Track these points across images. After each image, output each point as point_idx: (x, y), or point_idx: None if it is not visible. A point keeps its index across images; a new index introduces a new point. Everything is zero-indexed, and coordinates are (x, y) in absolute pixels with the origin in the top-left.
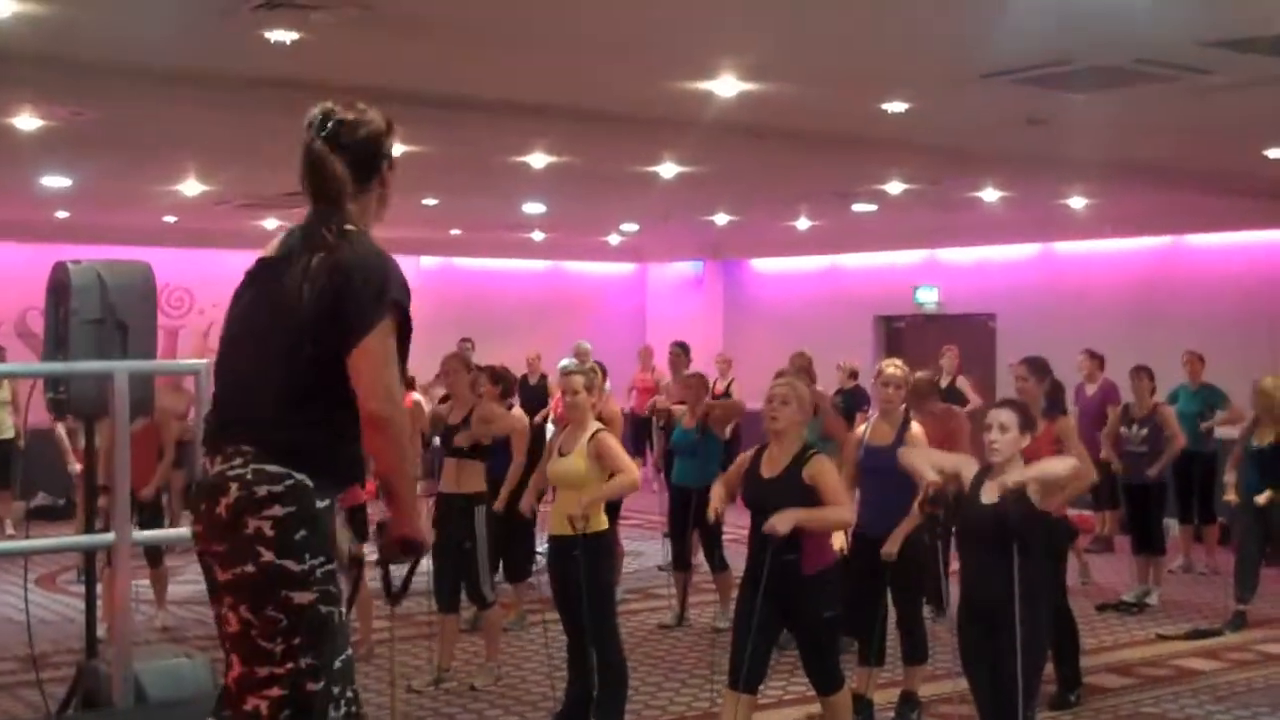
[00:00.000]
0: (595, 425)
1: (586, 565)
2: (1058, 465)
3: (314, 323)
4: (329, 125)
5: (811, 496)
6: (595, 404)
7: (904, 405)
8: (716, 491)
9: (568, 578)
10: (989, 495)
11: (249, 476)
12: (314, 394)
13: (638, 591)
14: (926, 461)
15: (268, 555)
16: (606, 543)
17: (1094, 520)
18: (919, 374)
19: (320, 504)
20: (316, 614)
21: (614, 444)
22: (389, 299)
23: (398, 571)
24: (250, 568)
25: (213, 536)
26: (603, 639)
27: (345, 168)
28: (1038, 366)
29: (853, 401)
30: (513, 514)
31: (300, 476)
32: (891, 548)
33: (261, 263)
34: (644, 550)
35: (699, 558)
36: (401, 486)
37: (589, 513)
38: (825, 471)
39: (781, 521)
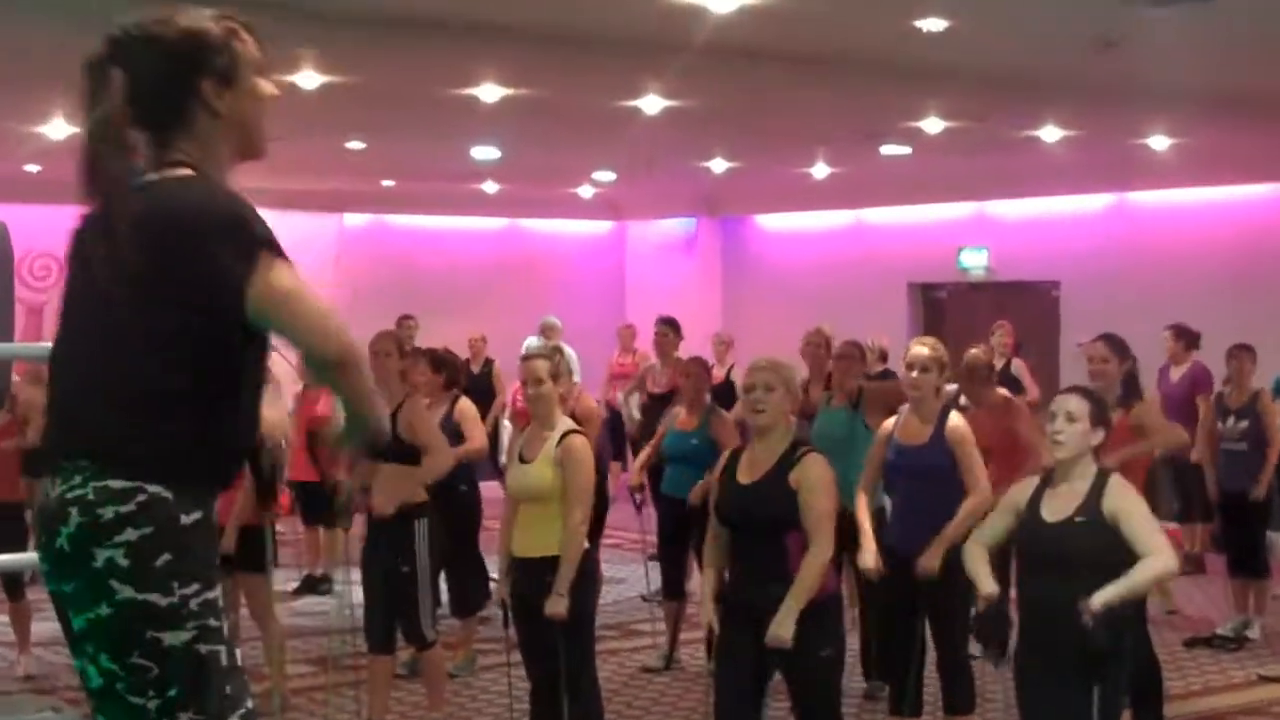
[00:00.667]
0: (565, 424)
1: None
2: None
3: (151, 288)
4: (122, 37)
5: (794, 507)
6: (565, 396)
7: (940, 391)
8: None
9: (537, 610)
10: (1053, 508)
11: (90, 497)
12: (161, 383)
13: (616, 627)
14: (983, 560)
15: (125, 591)
16: (587, 566)
17: (1180, 535)
18: (972, 351)
19: (187, 519)
20: (194, 656)
21: (583, 454)
22: (256, 235)
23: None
24: (105, 609)
25: (59, 575)
26: (579, 685)
27: (140, 88)
28: (1119, 346)
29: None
30: (465, 531)
31: (154, 489)
32: (931, 562)
33: (86, 220)
34: (623, 576)
35: (694, 582)
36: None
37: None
38: (815, 480)
39: (782, 628)
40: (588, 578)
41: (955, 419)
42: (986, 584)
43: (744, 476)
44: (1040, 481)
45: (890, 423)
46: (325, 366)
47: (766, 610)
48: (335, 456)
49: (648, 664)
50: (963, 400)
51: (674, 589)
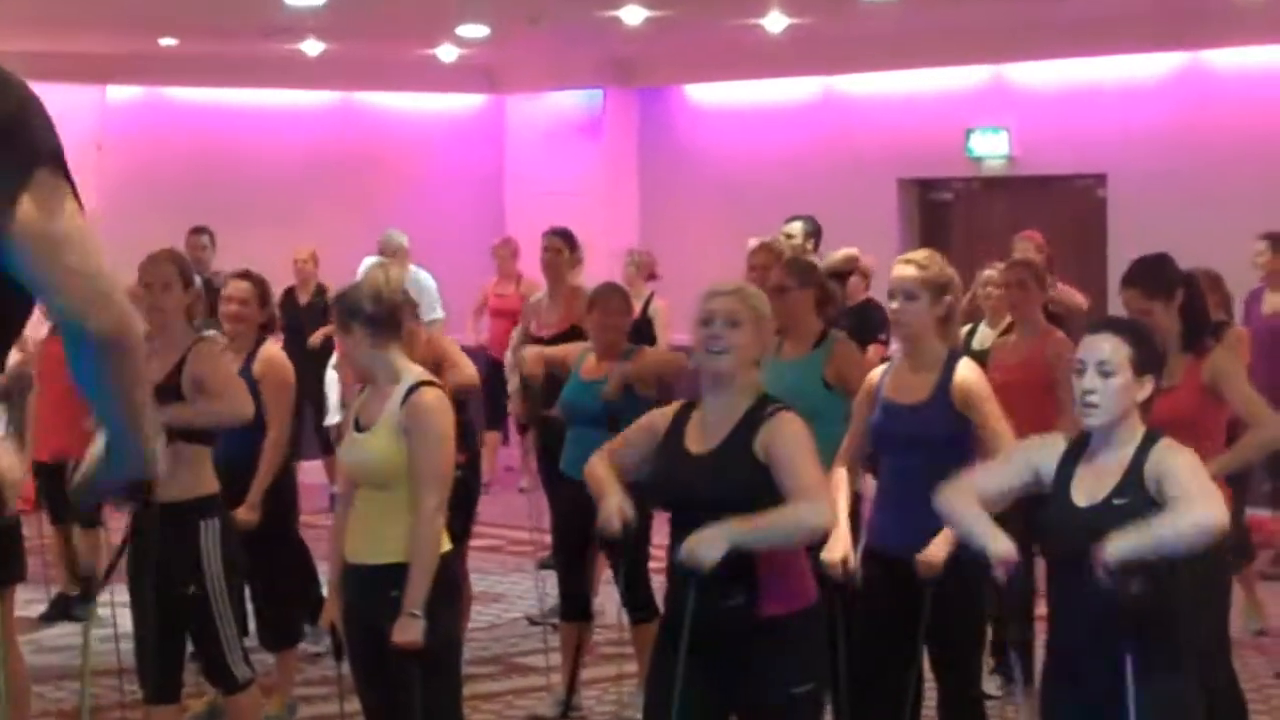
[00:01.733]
0: (414, 375)
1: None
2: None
3: None
4: None
5: (768, 483)
6: (421, 338)
7: (947, 328)
8: (598, 468)
9: (379, 637)
10: (1086, 488)
11: None
12: None
13: (494, 661)
14: (981, 513)
15: None
16: (449, 576)
17: (1273, 525)
18: (1016, 258)
19: None
20: None
21: (438, 415)
22: (35, 142)
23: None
24: None
25: None
26: None
27: None
28: (1158, 280)
29: (864, 323)
30: (277, 530)
31: None
32: (936, 555)
33: None
34: (503, 591)
35: (602, 599)
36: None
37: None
38: (791, 438)
39: (705, 546)
40: (449, 592)
41: (965, 370)
42: (997, 540)
43: (694, 444)
44: (1069, 449)
45: (877, 373)
46: (96, 345)
47: (721, 629)
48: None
49: (538, 712)
50: (982, 338)
51: (575, 608)
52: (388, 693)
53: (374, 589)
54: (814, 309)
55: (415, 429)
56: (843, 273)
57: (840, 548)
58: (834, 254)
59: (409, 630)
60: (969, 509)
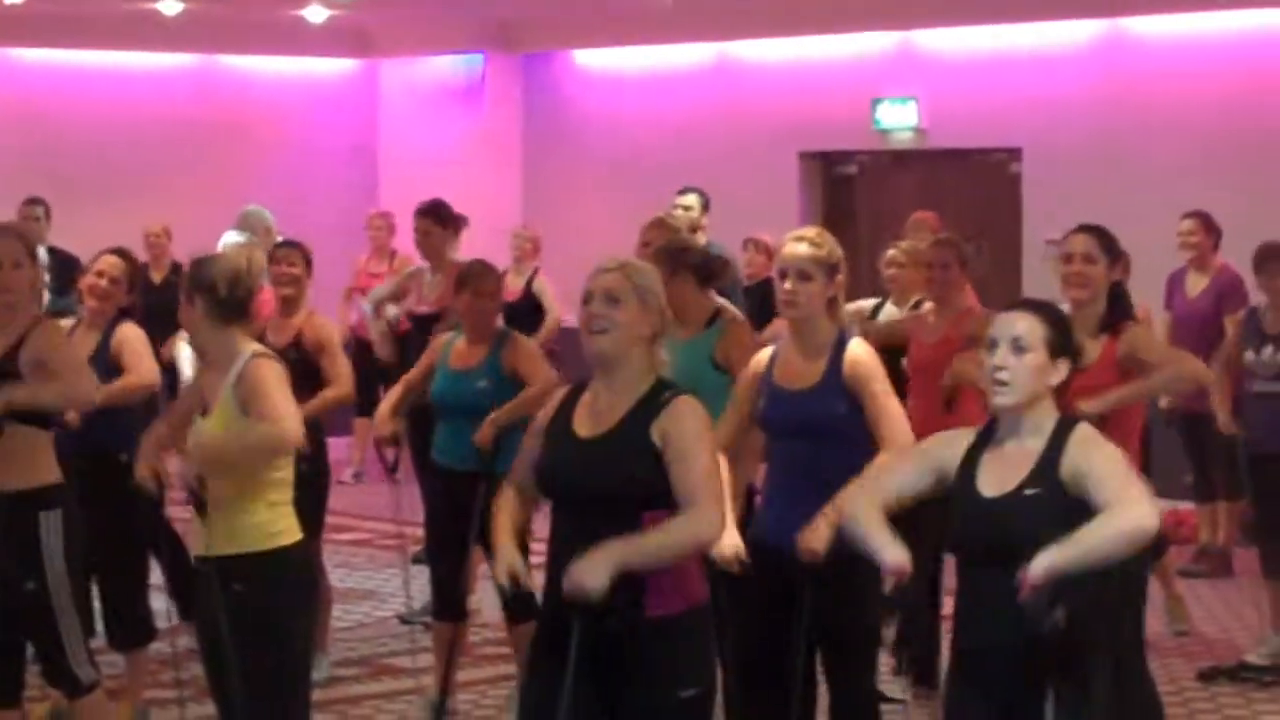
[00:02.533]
0: (247, 350)
1: (258, 612)
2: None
3: None
4: None
5: (659, 473)
6: (304, 313)
7: (834, 308)
8: (500, 517)
9: (212, 630)
10: (994, 477)
11: None
12: None
13: (361, 663)
14: (879, 520)
15: None
16: (299, 571)
17: (1195, 520)
18: (941, 236)
19: None
20: None
21: (271, 383)
22: None
23: None
24: None
25: None
26: None
27: None
28: (1109, 242)
29: (766, 301)
30: (120, 523)
31: None
32: (816, 539)
33: None
34: (372, 588)
35: (479, 596)
36: None
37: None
38: (690, 431)
39: (590, 574)
40: (298, 583)
41: (857, 349)
42: (889, 549)
43: (583, 428)
44: (978, 437)
45: (763, 356)
46: None
47: (604, 630)
48: None
49: (409, 716)
50: (888, 314)
51: (448, 605)
52: (235, 690)
53: (223, 581)
54: (696, 289)
55: (254, 399)
56: None
57: (730, 543)
58: None
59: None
60: (867, 513)
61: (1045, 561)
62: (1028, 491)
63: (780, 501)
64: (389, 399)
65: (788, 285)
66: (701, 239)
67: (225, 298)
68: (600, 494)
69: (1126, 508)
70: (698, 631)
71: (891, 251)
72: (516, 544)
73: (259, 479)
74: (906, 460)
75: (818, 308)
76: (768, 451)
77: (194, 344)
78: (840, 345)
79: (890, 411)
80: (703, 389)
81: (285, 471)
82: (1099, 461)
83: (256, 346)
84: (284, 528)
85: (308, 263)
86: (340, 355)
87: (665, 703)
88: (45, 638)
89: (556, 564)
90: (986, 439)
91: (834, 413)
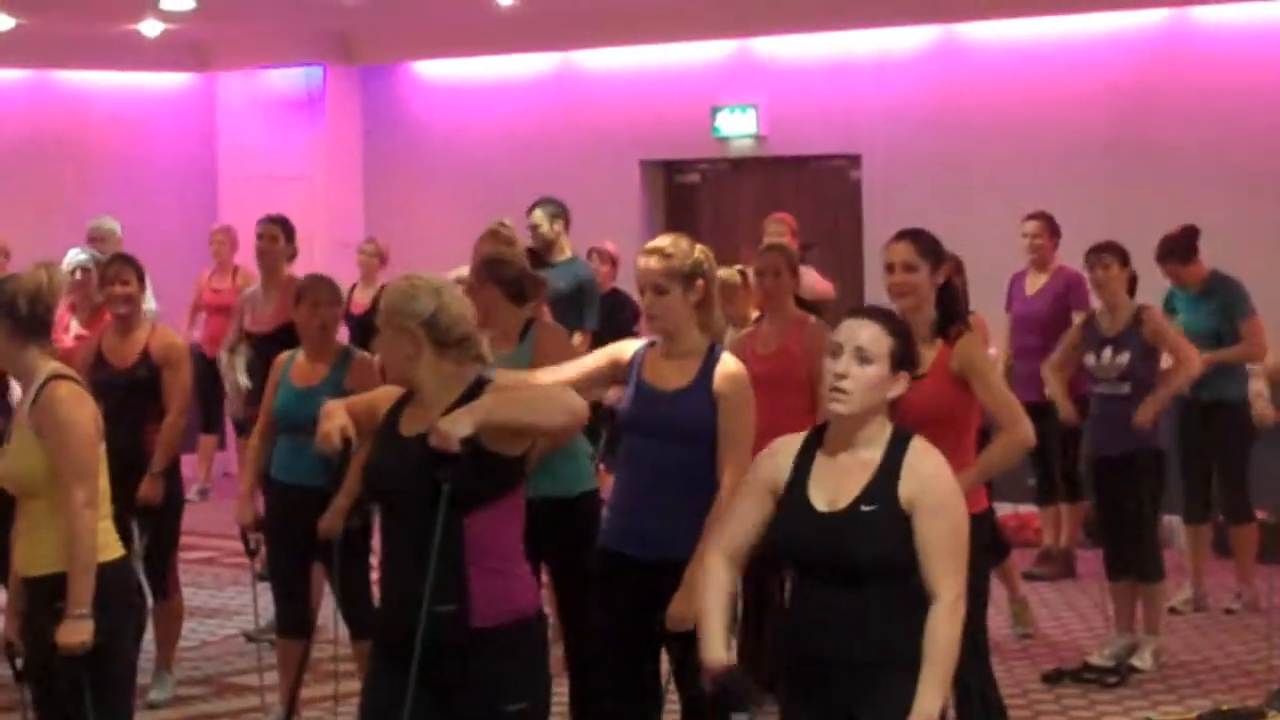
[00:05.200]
0: (46, 370)
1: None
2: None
3: None
4: None
5: (481, 465)
6: (131, 326)
7: (709, 315)
8: (329, 419)
9: (44, 648)
10: (828, 490)
11: None
12: None
13: (206, 682)
14: (719, 600)
15: None
16: (121, 585)
17: (1038, 522)
18: (769, 243)
19: None
20: None
21: (67, 405)
22: None
23: None
24: None
25: None
26: None
27: None
28: (930, 247)
29: (614, 313)
30: None
31: None
32: (682, 610)
33: None
34: (218, 605)
35: (325, 613)
36: None
37: None
38: (507, 382)
39: (453, 423)
40: (118, 592)
41: (729, 360)
42: (710, 648)
43: (407, 428)
44: (805, 444)
45: (628, 349)
46: None
47: (432, 639)
48: None
49: None
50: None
51: (292, 622)
52: (59, 707)
53: (39, 601)
54: (505, 302)
55: (45, 425)
56: None
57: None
58: None
59: (75, 632)
60: (713, 589)
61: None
62: (864, 509)
63: (635, 511)
64: (246, 473)
65: (646, 301)
66: (565, 252)
67: (26, 315)
68: (413, 493)
69: (953, 608)
70: (526, 644)
71: (770, 242)
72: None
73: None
74: (742, 496)
75: (680, 318)
76: (621, 455)
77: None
78: (714, 353)
79: (743, 427)
80: None
81: (104, 483)
82: (939, 506)
83: (55, 366)
84: (103, 544)
85: (140, 278)
86: (183, 376)
87: (491, 716)
88: None
89: (386, 571)
90: (815, 446)
91: (700, 417)
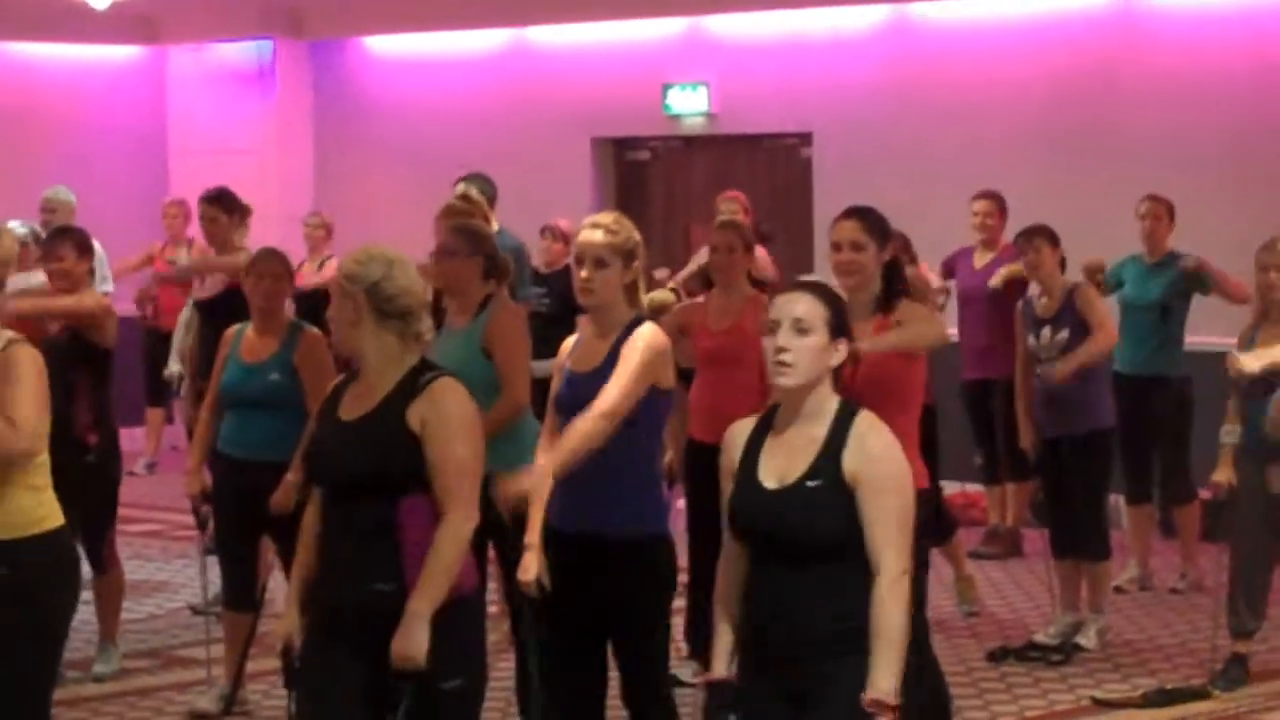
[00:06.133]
0: (2, 339)
1: (24, 598)
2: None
3: None
4: None
5: (413, 457)
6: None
7: (634, 292)
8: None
9: None
10: (775, 467)
11: None
12: None
13: (152, 654)
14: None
15: None
16: (64, 556)
17: (984, 501)
18: (724, 219)
19: None
20: None
21: (18, 372)
22: None
23: None
24: None
25: None
26: None
27: None
28: (876, 226)
29: (565, 287)
30: None
31: None
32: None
33: None
34: (166, 578)
35: (273, 588)
36: None
37: None
38: (450, 415)
39: (409, 642)
40: (64, 567)
41: (641, 332)
42: (718, 659)
43: (346, 411)
44: (758, 425)
45: (570, 342)
46: None
47: (371, 618)
48: None
49: (199, 707)
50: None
51: (239, 595)
52: None
53: None
54: (481, 277)
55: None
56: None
57: (533, 564)
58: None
59: None
60: (721, 616)
61: (882, 682)
62: (809, 484)
63: (570, 487)
64: (195, 447)
65: (584, 273)
66: (493, 226)
67: None
68: (354, 478)
69: (885, 560)
70: (462, 623)
71: (724, 217)
72: None
73: (14, 465)
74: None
75: (614, 294)
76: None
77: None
78: (630, 328)
79: (617, 379)
80: (470, 377)
81: (44, 455)
82: (879, 478)
83: (11, 334)
84: (47, 513)
85: (80, 250)
86: (104, 332)
87: (426, 693)
88: None
89: (324, 548)
90: (767, 427)
91: None
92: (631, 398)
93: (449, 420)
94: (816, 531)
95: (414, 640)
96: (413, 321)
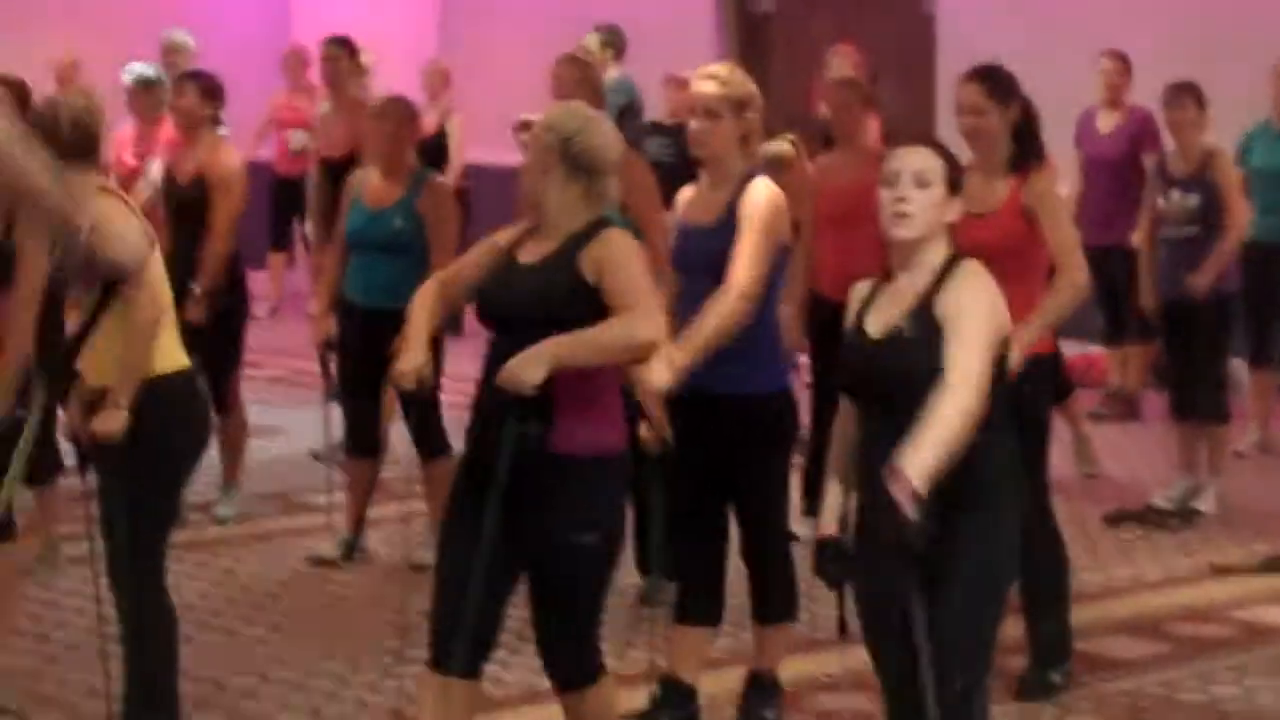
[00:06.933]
0: (93, 188)
1: (145, 437)
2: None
3: None
4: None
5: (592, 302)
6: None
7: (749, 145)
8: (419, 312)
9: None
10: (881, 317)
11: None
12: None
13: (272, 498)
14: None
15: None
16: (181, 393)
17: (1105, 363)
18: (839, 77)
19: None
20: None
21: (106, 219)
22: None
23: None
24: None
25: None
26: (122, 580)
27: None
28: (1002, 86)
29: (686, 142)
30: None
31: None
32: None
33: None
34: (283, 424)
35: (398, 434)
36: None
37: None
38: (619, 256)
39: (525, 367)
40: (171, 399)
41: (757, 187)
42: (825, 516)
43: (525, 256)
44: (874, 283)
45: (684, 195)
46: None
47: (518, 461)
48: None
49: (319, 553)
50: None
51: (362, 442)
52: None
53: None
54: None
55: (95, 241)
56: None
57: (660, 373)
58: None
59: (108, 420)
60: (831, 478)
61: (918, 469)
62: (903, 330)
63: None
64: (321, 293)
65: (694, 124)
66: (613, 75)
67: (69, 139)
68: (530, 317)
69: (951, 394)
70: (602, 479)
71: (836, 73)
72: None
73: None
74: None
75: (726, 146)
76: (678, 293)
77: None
78: (744, 182)
79: (746, 252)
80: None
81: (166, 294)
82: (965, 307)
83: (101, 181)
84: (163, 352)
85: (205, 94)
86: (230, 200)
87: (561, 543)
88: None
89: (484, 392)
90: (881, 282)
91: (730, 250)
92: (765, 269)
93: (623, 256)
94: (908, 376)
95: (529, 366)
96: (598, 179)
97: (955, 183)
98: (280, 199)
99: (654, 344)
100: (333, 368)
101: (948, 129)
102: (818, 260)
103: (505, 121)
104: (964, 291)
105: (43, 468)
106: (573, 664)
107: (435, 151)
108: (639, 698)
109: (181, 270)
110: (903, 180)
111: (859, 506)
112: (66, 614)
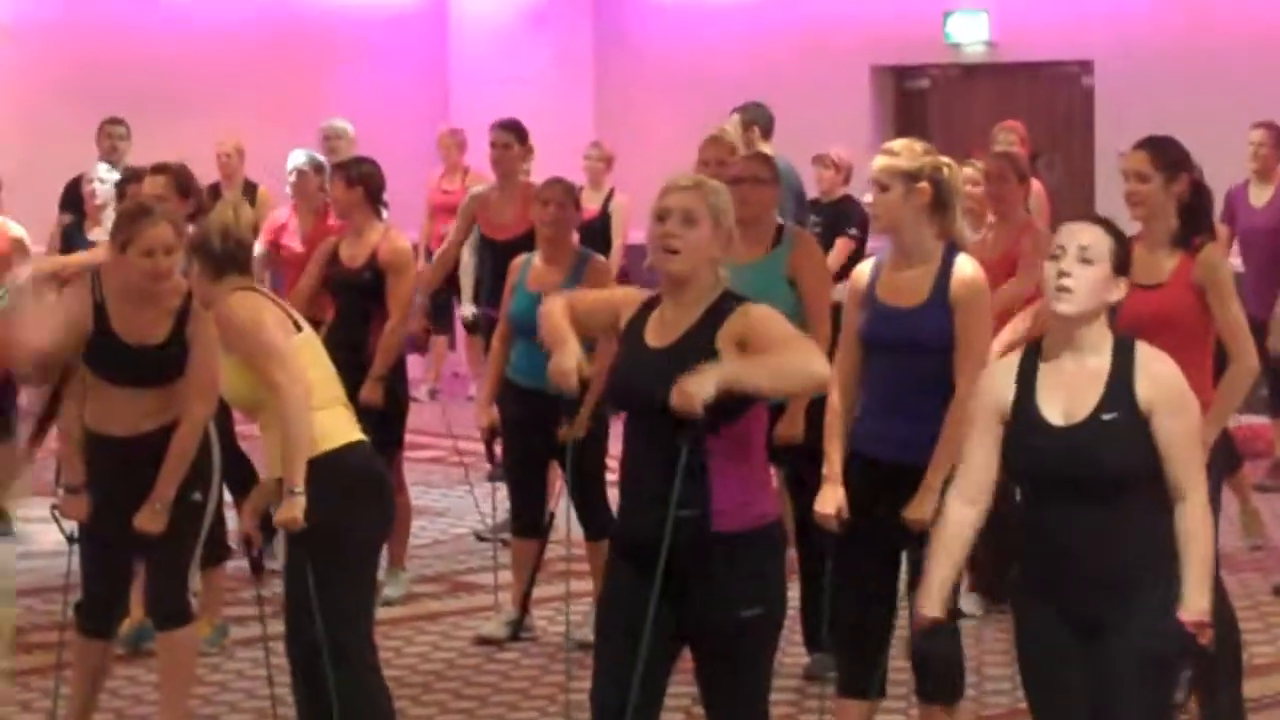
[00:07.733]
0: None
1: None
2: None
3: None
4: None
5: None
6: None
7: (945, 219)
8: (558, 318)
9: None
10: (1060, 401)
11: None
12: None
13: (438, 579)
14: (946, 557)
15: None
16: (362, 469)
17: (1270, 434)
18: (997, 150)
19: None
20: None
21: (235, 312)
22: None
23: None
24: None
25: None
26: (336, 656)
27: None
28: (1168, 156)
29: (837, 218)
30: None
31: None
32: (921, 511)
33: None
34: (447, 506)
35: (562, 515)
36: None
37: None
38: (765, 320)
39: (696, 384)
40: (347, 476)
41: (964, 265)
42: (928, 597)
43: (654, 339)
44: (1023, 360)
45: (863, 271)
46: None
47: (673, 543)
48: None
49: (486, 632)
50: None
51: (528, 522)
52: (295, 605)
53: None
54: (774, 206)
55: (229, 338)
56: None
57: (833, 499)
58: None
59: (288, 509)
60: (943, 537)
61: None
62: (1105, 418)
63: (881, 418)
64: (486, 378)
65: (869, 198)
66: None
67: (220, 252)
68: (664, 405)
69: (1205, 506)
70: (764, 550)
71: (967, 170)
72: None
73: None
74: (971, 433)
75: (898, 218)
76: (866, 369)
77: (199, 298)
78: (950, 258)
79: (979, 333)
80: (779, 307)
81: (322, 372)
82: (1176, 404)
83: (237, 283)
84: (330, 430)
85: (348, 181)
86: (405, 282)
87: (726, 620)
88: (179, 557)
89: (630, 476)
90: (1035, 359)
91: (938, 332)
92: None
93: (767, 325)
94: (1119, 465)
95: (701, 384)
96: (720, 266)
97: (1122, 263)
98: (444, 282)
99: (826, 379)
100: (496, 448)
101: (1104, 203)
102: None
103: None
104: (1167, 382)
105: (210, 551)
106: None
107: (599, 233)
108: None
109: (350, 353)
110: (1067, 255)
111: (1033, 577)
112: (237, 696)
